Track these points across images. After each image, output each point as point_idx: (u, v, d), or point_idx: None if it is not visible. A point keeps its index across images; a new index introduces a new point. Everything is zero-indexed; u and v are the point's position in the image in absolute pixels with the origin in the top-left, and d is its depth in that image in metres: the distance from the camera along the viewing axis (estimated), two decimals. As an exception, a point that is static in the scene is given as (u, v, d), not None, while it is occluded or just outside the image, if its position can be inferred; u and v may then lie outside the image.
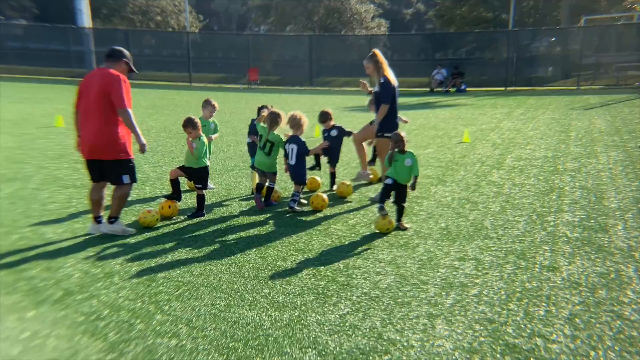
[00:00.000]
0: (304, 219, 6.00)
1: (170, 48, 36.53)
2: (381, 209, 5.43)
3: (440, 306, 3.84)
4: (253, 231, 5.59)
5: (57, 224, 5.77)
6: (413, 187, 5.56)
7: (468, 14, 37.84)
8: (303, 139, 6.37)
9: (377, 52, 6.74)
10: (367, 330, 3.52)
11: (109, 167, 5.17)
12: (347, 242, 5.20)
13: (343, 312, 3.76)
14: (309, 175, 7.24)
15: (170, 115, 15.90)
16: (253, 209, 6.37)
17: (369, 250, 4.94)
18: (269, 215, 6.15)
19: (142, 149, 5.29)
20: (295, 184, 6.40)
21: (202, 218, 6.01)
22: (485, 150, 9.90)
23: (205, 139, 6.11)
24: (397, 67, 7.35)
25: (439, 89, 26.38)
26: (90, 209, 5.40)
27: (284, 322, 3.62)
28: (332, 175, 7.45)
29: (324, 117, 7.31)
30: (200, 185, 6.07)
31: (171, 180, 6.17)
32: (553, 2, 36.29)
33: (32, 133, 11.71)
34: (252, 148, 7.17)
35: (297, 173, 6.37)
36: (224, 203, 6.65)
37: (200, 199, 6.12)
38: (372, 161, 8.04)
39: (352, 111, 17.13)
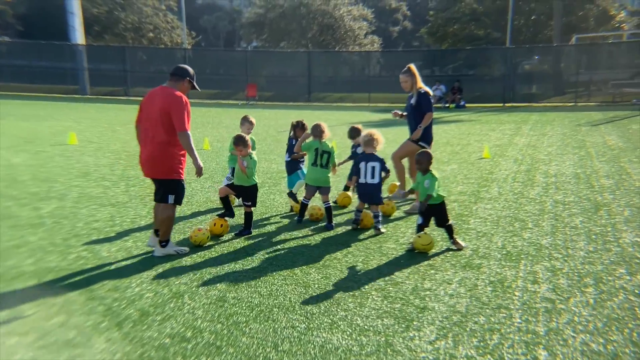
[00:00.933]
0: (351, 237, 5.92)
1: (164, 64, 36.35)
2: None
3: (533, 335, 3.68)
4: (305, 250, 5.49)
5: (108, 243, 5.64)
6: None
7: (460, 31, 38.54)
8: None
9: (412, 66, 6.83)
10: (466, 360, 3.39)
11: (159, 185, 5.15)
12: (405, 262, 5.09)
13: (431, 338, 3.62)
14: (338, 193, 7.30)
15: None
16: (297, 227, 6.30)
17: (431, 271, 4.83)
18: (314, 233, 6.07)
19: (199, 172, 5.24)
20: (374, 204, 6.20)
21: (249, 236, 5.93)
22: (509, 166, 9.90)
23: (255, 157, 6.07)
24: (391, 84, 7.44)
25: (439, 105, 26.62)
26: (153, 222, 5.40)
27: (373, 347, 3.50)
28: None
29: (355, 132, 7.27)
30: (249, 203, 5.99)
31: (221, 198, 6.12)
32: (544, 20, 37.15)
33: (48, 151, 11.48)
34: (290, 166, 7.06)
35: (379, 192, 6.20)
36: (264, 221, 6.55)
37: (248, 216, 6.05)
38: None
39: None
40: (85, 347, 3.54)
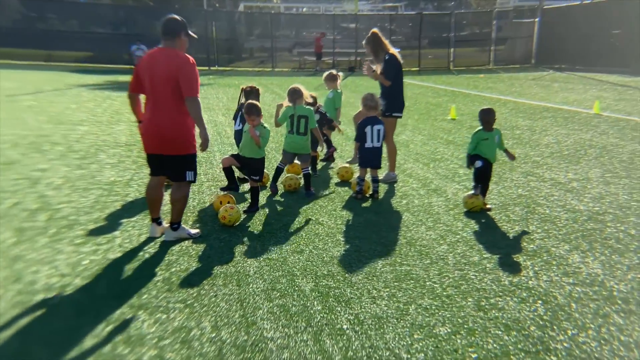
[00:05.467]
0: (359, 209, 5.94)
1: None
2: (475, 187, 5.81)
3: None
4: (340, 224, 5.41)
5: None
6: (513, 157, 5.92)
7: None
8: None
9: (377, 31, 6.84)
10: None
11: (172, 162, 4.66)
12: (443, 235, 5.08)
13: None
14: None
15: None
16: (297, 200, 6.13)
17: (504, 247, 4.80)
18: (325, 202, 6.10)
19: (205, 144, 4.66)
20: (376, 168, 6.23)
21: (264, 214, 5.70)
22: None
23: (267, 126, 5.73)
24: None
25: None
26: (148, 209, 4.98)
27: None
28: (314, 159, 7.21)
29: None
30: (257, 177, 5.69)
31: (225, 169, 5.80)
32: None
33: None
34: (240, 136, 6.39)
35: (381, 156, 6.22)
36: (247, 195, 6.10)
37: (256, 191, 5.75)
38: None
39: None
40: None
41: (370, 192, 6.25)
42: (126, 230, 5.16)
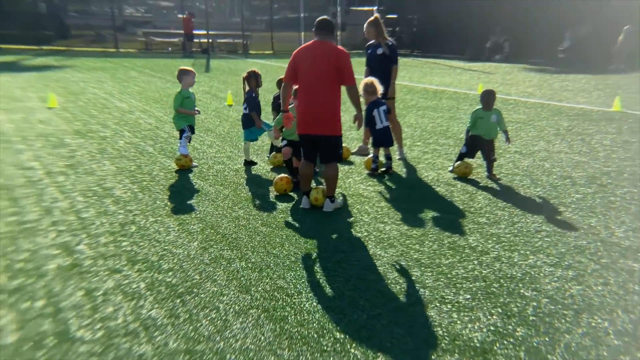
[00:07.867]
0: (386, 180, 6.46)
1: None
2: (458, 160, 6.66)
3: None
4: (385, 198, 5.90)
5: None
6: (509, 141, 6.54)
7: None
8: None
9: (378, 16, 7.26)
10: None
11: (327, 143, 5.37)
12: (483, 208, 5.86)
13: None
14: None
15: None
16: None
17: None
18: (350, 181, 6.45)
19: (361, 123, 5.64)
20: (388, 146, 6.66)
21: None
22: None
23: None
24: None
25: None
26: (302, 184, 5.68)
27: None
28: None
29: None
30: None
31: (286, 161, 6.32)
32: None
33: None
34: (246, 120, 7.09)
35: (391, 133, 6.65)
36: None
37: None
38: None
39: None
40: None
41: (384, 169, 6.65)
42: (191, 211, 5.47)
